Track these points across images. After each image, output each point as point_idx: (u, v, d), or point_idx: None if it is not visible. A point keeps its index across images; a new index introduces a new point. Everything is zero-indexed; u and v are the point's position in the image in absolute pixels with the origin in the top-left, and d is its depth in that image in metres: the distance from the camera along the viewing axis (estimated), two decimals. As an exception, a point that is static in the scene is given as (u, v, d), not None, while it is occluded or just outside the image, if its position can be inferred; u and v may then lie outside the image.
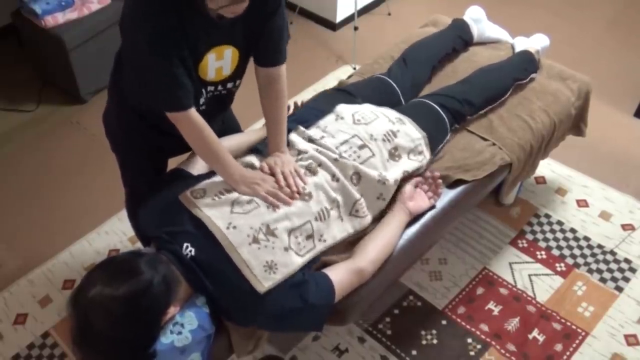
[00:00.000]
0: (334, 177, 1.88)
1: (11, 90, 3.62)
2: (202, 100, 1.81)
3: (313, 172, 1.87)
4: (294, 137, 1.99)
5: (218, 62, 1.75)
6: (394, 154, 2.03)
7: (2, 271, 2.69)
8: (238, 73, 1.86)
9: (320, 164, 1.89)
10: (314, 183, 1.84)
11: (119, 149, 2.07)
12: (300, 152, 1.94)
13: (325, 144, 1.95)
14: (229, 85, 1.88)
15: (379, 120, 2.07)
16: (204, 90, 1.80)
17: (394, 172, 2.00)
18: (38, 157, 3.23)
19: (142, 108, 1.89)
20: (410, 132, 2.09)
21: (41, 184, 3.08)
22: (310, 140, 1.99)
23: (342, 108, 2.11)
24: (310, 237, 1.78)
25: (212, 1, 1.52)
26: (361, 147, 1.97)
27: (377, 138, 2.01)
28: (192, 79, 1.70)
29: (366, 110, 2.11)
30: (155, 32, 1.57)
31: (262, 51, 1.82)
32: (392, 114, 2.14)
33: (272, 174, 1.83)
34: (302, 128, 2.02)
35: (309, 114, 2.12)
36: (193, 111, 1.71)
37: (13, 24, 3.54)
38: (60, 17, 3.26)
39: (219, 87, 1.85)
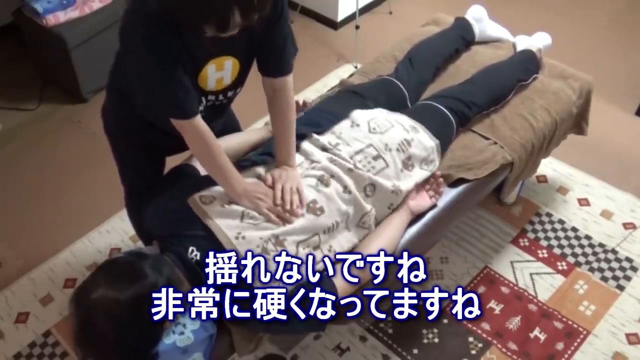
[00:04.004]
0: (346, 189, 1.86)
1: (12, 89, 3.62)
2: (200, 108, 1.79)
3: (325, 184, 1.86)
4: (307, 145, 1.98)
5: (218, 72, 1.74)
6: (408, 164, 2.03)
7: (3, 270, 2.69)
8: (239, 81, 1.85)
9: (332, 175, 1.88)
10: (326, 196, 1.83)
11: (116, 144, 2.07)
12: (313, 162, 1.93)
13: (339, 153, 1.93)
14: (230, 93, 1.86)
15: (394, 129, 2.05)
16: (203, 99, 1.79)
17: (407, 183, 2.00)
18: (39, 155, 3.24)
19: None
20: (424, 141, 2.08)
21: (42, 182, 3.09)
22: (324, 149, 1.97)
23: (358, 114, 2.09)
24: (317, 247, 1.78)
25: (209, 31, 1.50)
26: (376, 157, 1.96)
27: (392, 148, 2.00)
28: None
29: (381, 117, 2.09)
30: (155, 42, 1.56)
31: (265, 61, 1.80)
32: (406, 121, 2.12)
33: (273, 187, 1.81)
34: (315, 136, 2.00)
35: (323, 118, 2.10)
36: (198, 119, 1.70)
37: (14, 22, 3.53)
38: (61, 16, 3.26)
39: (220, 97, 1.84)
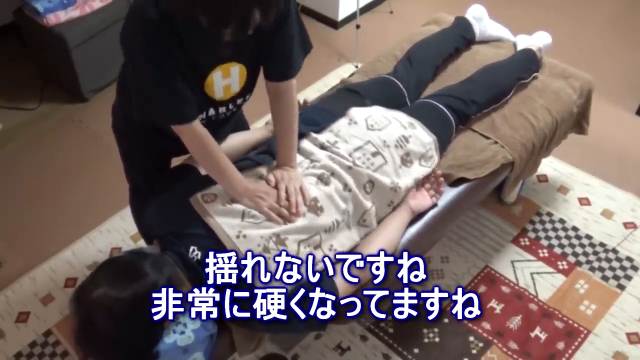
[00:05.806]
0: (346, 186, 1.86)
1: (13, 88, 3.62)
2: (203, 116, 1.78)
3: (325, 183, 1.86)
4: (305, 144, 1.97)
5: (225, 80, 1.73)
6: (406, 160, 2.03)
7: (4, 269, 2.69)
8: (248, 88, 1.83)
9: (332, 173, 1.87)
10: (326, 195, 1.83)
11: (122, 142, 2.07)
12: (312, 161, 1.93)
13: (338, 151, 1.93)
14: (239, 101, 1.85)
15: (392, 125, 2.05)
16: (213, 110, 1.78)
17: (405, 180, 2.00)
18: (40, 155, 3.24)
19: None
20: (421, 137, 2.08)
21: (43, 182, 3.09)
22: (323, 147, 1.96)
23: (355, 112, 2.09)
24: (318, 247, 1.78)
25: (227, 35, 1.48)
26: (374, 154, 1.96)
27: (390, 145, 2.00)
28: (197, 97, 1.68)
29: (378, 114, 2.09)
30: (153, 50, 1.56)
31: (270, 66, 1.78)
32: (404, 117, 2.12)
33: (276, 187, 1.80)
34: (314, 134, 1.99)
35: (320, 116, 2.09)
36: (196, 123, 1.70)
37: (15, 22, 3.53)
38: (62, 16, 3.26)
39: (230, 106, 1.82)
